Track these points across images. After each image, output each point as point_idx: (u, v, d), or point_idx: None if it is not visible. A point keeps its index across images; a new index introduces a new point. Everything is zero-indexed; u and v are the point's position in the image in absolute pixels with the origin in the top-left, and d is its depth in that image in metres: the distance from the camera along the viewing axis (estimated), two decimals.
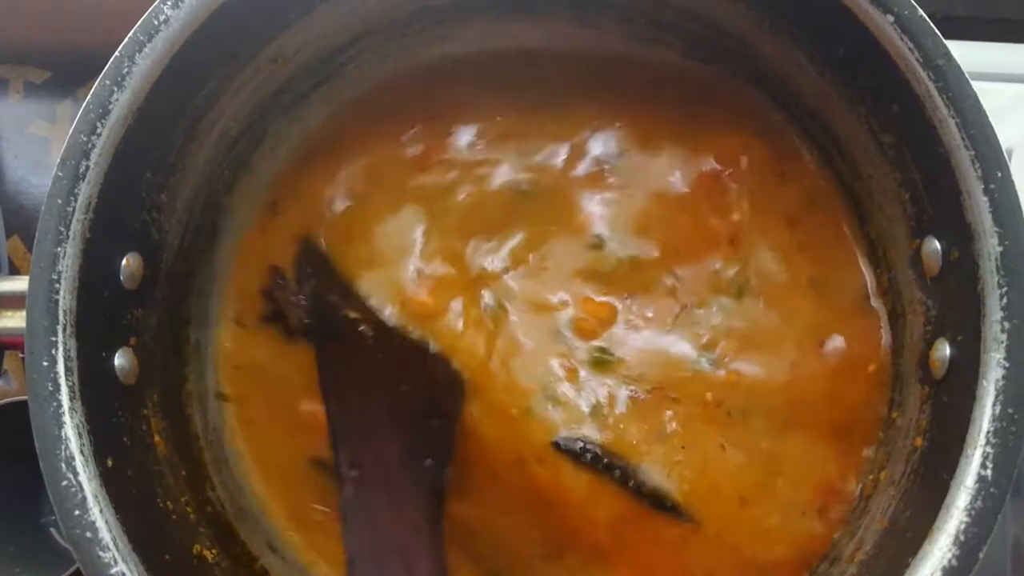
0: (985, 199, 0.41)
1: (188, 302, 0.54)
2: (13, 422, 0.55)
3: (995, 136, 0.42)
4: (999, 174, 0.41)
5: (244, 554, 0.51)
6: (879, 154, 0.49)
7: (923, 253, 0.47)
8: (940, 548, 0.39)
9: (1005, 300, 0.40)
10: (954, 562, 0.39)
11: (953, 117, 0.42)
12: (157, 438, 0.49)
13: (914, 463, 0.46)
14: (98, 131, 0.43)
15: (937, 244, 0.46)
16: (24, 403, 0.64)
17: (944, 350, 0.45)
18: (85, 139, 0.43)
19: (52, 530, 0.73)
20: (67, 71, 0.79)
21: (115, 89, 0.43)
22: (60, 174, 0.43)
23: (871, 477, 0.50)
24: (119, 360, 0.46)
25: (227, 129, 0.53)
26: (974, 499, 0.39)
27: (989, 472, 0.39)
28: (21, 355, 0.68)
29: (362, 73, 0.57)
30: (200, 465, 0.52)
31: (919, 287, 0.48)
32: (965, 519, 0.39)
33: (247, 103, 0.53)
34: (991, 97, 0.48)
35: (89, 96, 0.43)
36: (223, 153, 0.53)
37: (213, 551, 0.49)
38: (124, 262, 0.47)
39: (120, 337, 0.47)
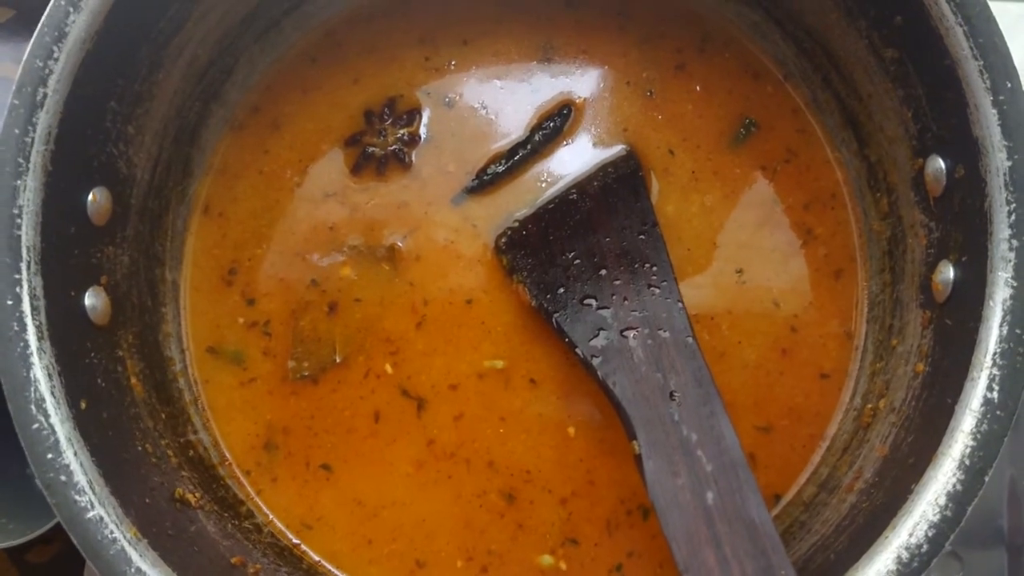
0: (994, 111, 0.39)
1: (163, 241, 0.52)
2: None
3: (1005, 45, 0.40)
4: (1009, 84, 0.39)
5: (229, 496, 0.50)
6: (880, 71, 0.47)
7: (926, 173, 0.45)
8: (944, 473, 0.38)
9: (1014, 216, 0.39)
10: (959, 487, 0.38)
11: (960, 25, 0.40)
12: (134, 380, 0.47)
13: (915, 389, 0.44)
14: (55, 56, 0.40)
15: (941, 163, 0.44)
16: None
17: (947, 272, 0.43)
18: (41, 64, 0.40)
19: (37, 480, 0.72)
20: (33, 8, 0.75)
21: (71, 10, 0.41)
22: (16, 102, 0.40)
23: (870, 406, 0.49)
24: (89, 299, 0.44)
25: (195, 57, 0.50)
26: (980, 422, 0.38)
27: (996, 395, 0.38)
28: None
29: None
30: (180, 408, 0.50)
31: (921, 209, 0.46)
32: (971, 443, 0.38)
33: (216, 28, 0.50)
34: (997, 17, 0.46)
35: (43, 18, 0.40)
36: (193, 83, 0.51)
37: (196, 494, 0.47)
38: (91, 197, 0.44)
39: (90, 276, 0.45)
